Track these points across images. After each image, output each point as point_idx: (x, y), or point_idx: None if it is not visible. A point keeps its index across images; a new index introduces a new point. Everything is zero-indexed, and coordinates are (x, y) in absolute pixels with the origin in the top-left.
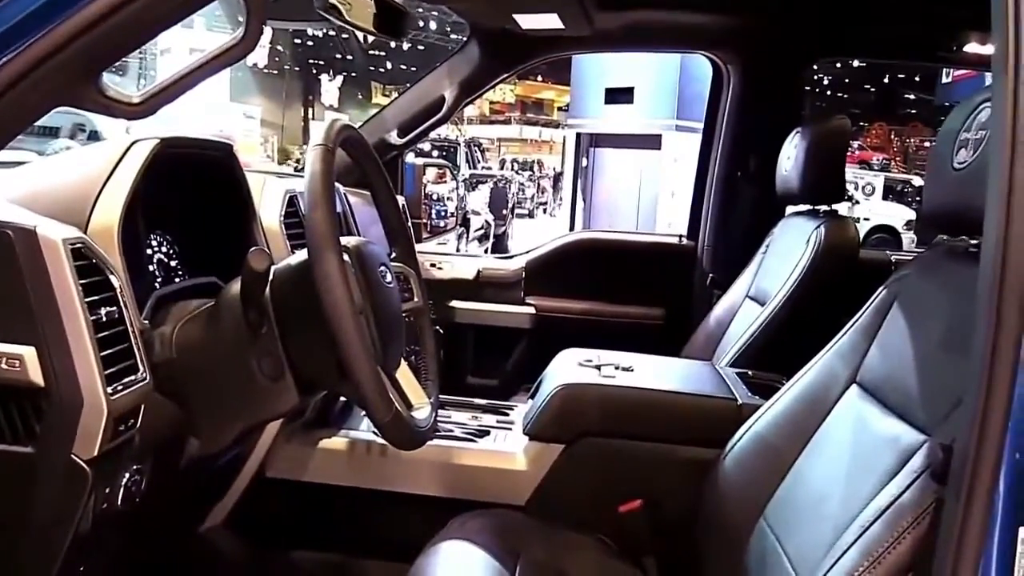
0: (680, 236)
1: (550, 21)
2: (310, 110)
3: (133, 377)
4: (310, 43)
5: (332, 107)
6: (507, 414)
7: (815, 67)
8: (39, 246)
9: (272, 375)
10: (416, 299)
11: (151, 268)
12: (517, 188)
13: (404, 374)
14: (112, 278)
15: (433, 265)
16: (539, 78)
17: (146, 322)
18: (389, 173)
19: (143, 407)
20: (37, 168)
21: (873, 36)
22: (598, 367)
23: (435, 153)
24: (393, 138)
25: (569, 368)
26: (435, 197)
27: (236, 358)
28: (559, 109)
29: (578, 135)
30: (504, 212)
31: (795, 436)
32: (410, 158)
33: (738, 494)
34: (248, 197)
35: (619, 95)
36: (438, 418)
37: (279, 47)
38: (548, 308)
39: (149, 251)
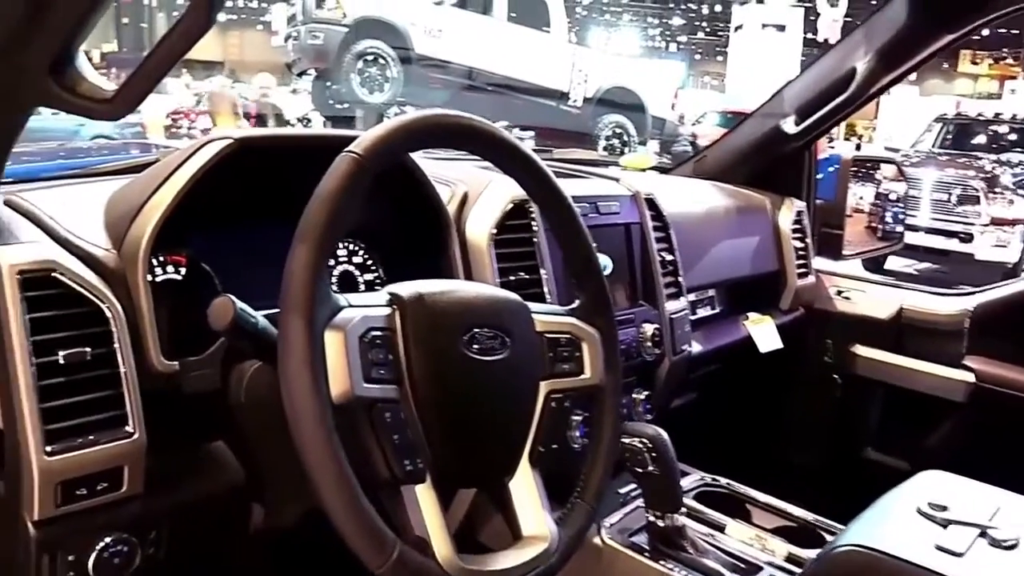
0: None
1: None
2: None
3: (109, 433)
4: None
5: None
6: (822, 541)
7: None
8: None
9: None
10: (586, 374)
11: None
12: None
13: (527, 487)
14: (107, 311)
15: (840, 293)
16: None
17: (173, 363)
18: (791, 173)
19: (127, 468)
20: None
21: None
22: (946, 524)
23: (1012, 136)
24: (789, 126)
25: (898, 514)
26: (894, 198)
27: None
28: None
29: None
30: None
31: None
32: (844, 150)
33: None
34: (436, 203)
35: None
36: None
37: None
38: (998, 379)
39: (331, 262)
